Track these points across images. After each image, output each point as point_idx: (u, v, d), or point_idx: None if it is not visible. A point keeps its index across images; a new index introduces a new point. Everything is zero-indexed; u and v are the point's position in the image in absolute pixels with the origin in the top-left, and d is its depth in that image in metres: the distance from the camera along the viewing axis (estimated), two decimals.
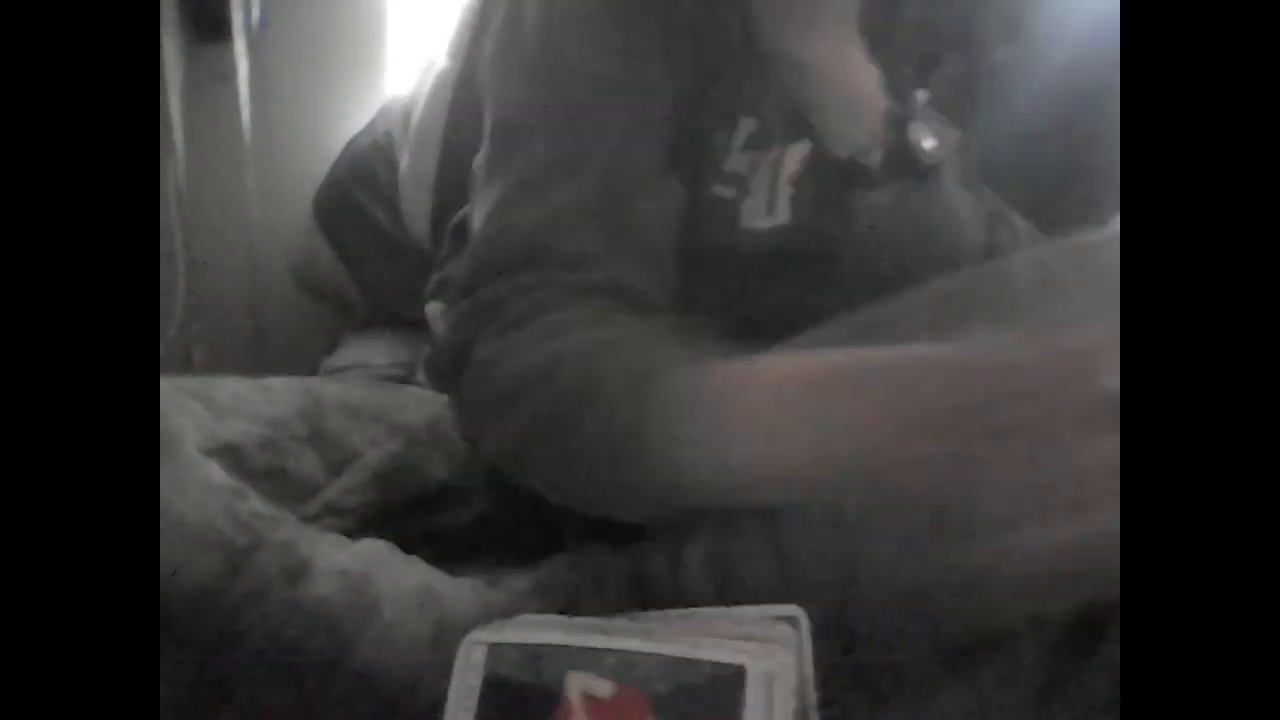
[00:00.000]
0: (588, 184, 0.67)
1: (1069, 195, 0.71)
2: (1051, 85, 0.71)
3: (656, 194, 0.70)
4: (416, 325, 1.22)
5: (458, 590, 0.63)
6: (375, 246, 1.41)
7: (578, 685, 0.50)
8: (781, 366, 0.57)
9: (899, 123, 0.70)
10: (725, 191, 0.72)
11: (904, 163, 0.70)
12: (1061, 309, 0.53)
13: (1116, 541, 0.40)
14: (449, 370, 0.67)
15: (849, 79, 0.71)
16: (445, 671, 0.52)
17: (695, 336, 0.59)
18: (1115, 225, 0.65)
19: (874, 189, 0.70)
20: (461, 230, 1.19)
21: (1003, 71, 0.72)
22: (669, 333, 0.62)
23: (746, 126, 0.72)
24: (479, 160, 0.73)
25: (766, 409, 0.55)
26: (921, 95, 0.72)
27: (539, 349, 0.62)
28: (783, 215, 0.72)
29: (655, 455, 0.56)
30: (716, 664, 0.49)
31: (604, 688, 0.50)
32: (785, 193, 0.72)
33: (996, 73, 0.72)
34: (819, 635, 0.54)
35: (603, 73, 0.70)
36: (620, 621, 0.55)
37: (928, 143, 0.70)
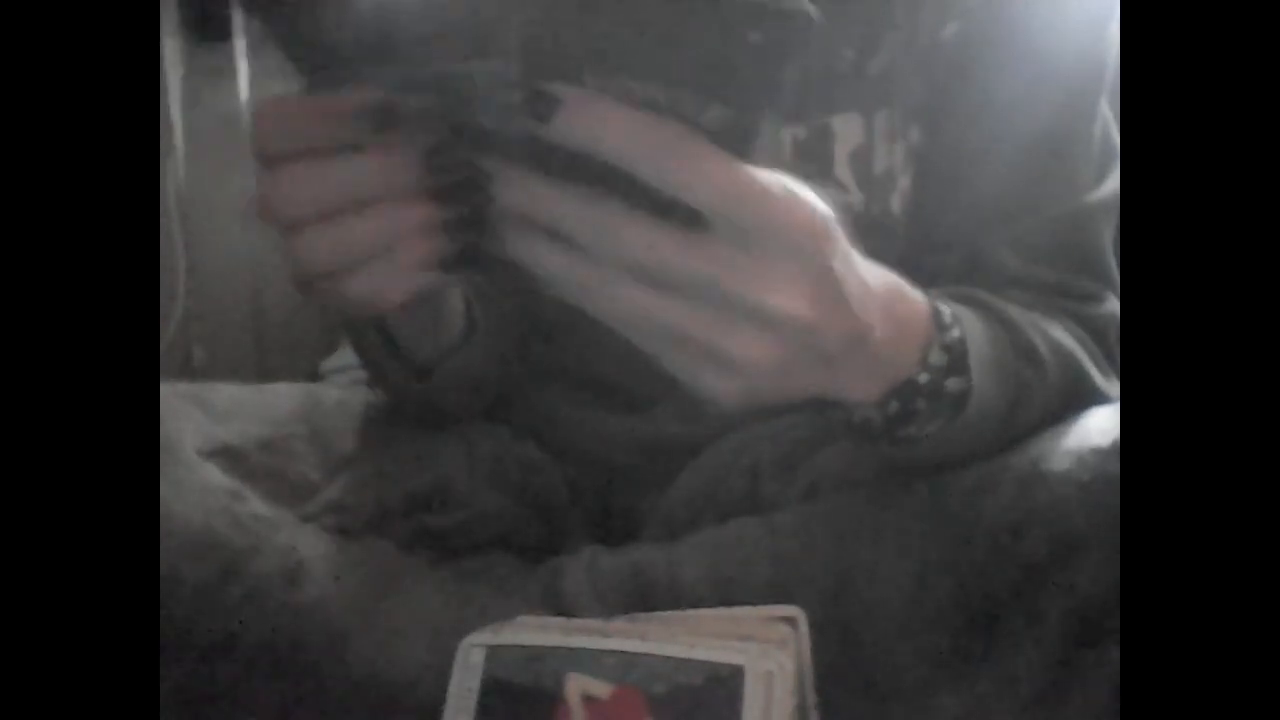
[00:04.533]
0: None
1: (1049, 171, 0.69)
2: (1017, 60, 0.68)
3: None
4: None
5: (456, 591, 0.63)
6: None
7: (576, 686, 0.50)
8: None
9: None
10: None
11: None
12: None
13: None
14: None
15: None
16: (444, 673, 0.52)
17: None
18: None
19: None
20: None
21: (954, 48, 0.70)
22: None
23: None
24: None
25: None
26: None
27: None
28: None
29: None
30: (715, 664, 0.49)
31: (602, 689, 0.50)
32: None
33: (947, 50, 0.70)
34: (818, 635, 0.54)
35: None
36: (619, 622, 0.55)
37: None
